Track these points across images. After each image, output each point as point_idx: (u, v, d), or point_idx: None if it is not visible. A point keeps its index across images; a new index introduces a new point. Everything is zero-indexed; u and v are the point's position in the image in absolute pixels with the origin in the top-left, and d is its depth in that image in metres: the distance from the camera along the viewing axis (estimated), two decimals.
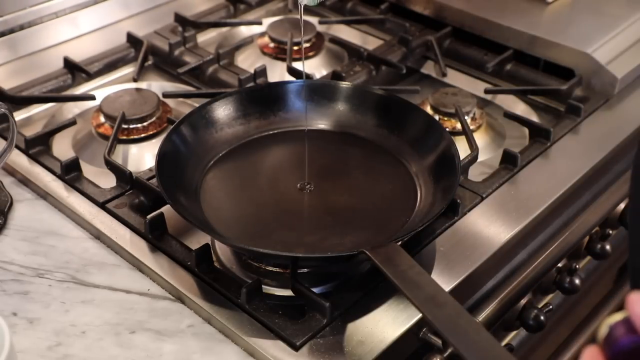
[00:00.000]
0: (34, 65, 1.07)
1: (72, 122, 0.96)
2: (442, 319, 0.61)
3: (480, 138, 0.96)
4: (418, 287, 0.64)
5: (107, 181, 0.87)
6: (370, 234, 0.78)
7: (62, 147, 0.95)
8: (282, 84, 0.94)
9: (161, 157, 0.79)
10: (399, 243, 0.73)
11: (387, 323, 0.71)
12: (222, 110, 0.89)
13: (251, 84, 1.03)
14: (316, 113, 0.92)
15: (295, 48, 1.12)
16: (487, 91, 1.05)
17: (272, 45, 1.14)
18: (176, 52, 1.11)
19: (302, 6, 0.83)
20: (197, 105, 0.93)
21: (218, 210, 0.80)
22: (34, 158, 0.90)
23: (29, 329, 0.71)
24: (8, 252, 0.79)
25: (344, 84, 0.94)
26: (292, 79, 1.03)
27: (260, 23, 1.19)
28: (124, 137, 0.95)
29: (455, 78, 1.10)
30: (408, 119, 0.88)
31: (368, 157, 0.89)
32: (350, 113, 0.92)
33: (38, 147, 0.91)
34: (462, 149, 0.91)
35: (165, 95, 1.00)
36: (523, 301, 0.89)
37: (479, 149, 0.90)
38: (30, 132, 0.93)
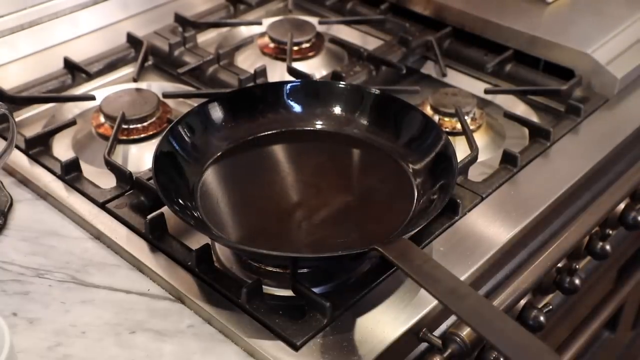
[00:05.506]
0: (34, 65, 1.07)
1: (72, 122, 0.96)
2: (467, 311, 0.61)
3: (480, 138, 0.96)
4: (437, 280, 0.63)
5: (107, 181, 0.86)
6: (369, 234, 0.77)
7: (62, 147, 0.94)
8: (279, 85, 0.94)
9: (158, 157, 0.79)
10: None
11: (387, 323, 0.71)
12: (219, 111, 0.89)
13: (251, 84, 1.03)
14: (312, 113, 0.92)
15: (296, 48, 1.12)
16: (487, 91, 1.05)
17: (272, 45, 1.14)
18: (176, 52, 1.11)
19: None
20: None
21: (217, 210, 0.80)
22: (34, 158, 0.90)
23: (29, 329, 0.71)
24: (8, 253, 0.79)
25: (340, 84, 0.94)
26: (292, 79, 1.03)
27: (260, 23, 1.19)
28: (124, 138, 0.94)
29: (455, 78, 1.10)
30: (404, 119, 0.88)
31: (365, 157, 0.89)
32: (347, 113, 0.92)
33: (38, 147, 0.91)
34: (462, 149, 0.91)
35: (165, 95, 1.00)
36: (523, 301, 0.89)
37: (479, 149, 0.90)
38: (30, 132, 0.93)
